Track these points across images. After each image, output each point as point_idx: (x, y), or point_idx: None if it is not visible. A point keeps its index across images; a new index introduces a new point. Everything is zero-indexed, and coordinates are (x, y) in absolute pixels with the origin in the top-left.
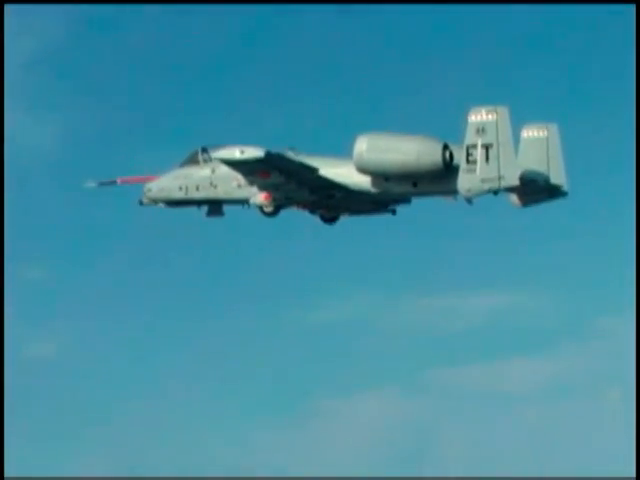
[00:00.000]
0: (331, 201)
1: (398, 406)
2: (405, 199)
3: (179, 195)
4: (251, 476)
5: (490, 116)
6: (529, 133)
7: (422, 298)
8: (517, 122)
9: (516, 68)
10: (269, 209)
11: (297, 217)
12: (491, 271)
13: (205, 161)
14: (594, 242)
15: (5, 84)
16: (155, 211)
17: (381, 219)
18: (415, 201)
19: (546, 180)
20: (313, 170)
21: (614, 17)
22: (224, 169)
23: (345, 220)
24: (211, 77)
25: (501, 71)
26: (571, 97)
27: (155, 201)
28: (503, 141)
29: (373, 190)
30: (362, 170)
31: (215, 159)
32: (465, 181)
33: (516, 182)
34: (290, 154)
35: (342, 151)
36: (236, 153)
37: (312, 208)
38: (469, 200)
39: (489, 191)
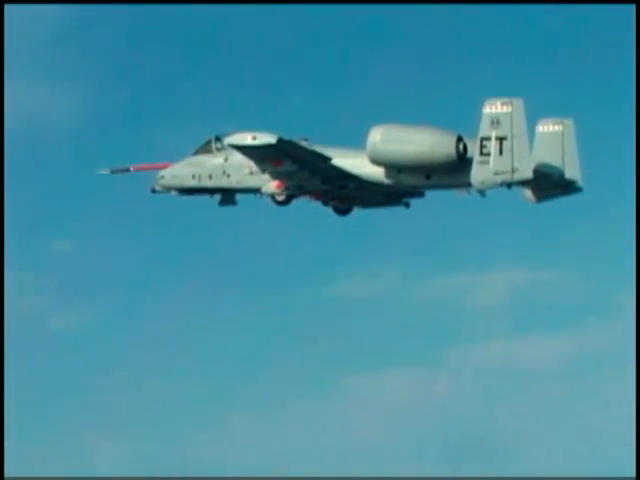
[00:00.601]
0: (344, 192)
1: (418, 383)
2: (418, 192)
3: (192, 183)
4: (251, 476)
5: (505, 108)
6: (544, 128)
7: (440, 276)
8: (532, 117)
9: (529, 64)
10: (281, 198)
11: (310, 208)
12: (507, 252)
13: (218, 149)
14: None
15: (30, 58)
16: (167, 199)
17: (394, 211)
18: (429, 194)
19: (560, 174)
20: (326, 159)
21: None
22: (237, 158)
23: (358, 212)
24: (230, 66)
25: (515, 67)
26: (581, 94)
27: (168, 189)
28: (517, 134)
29: (386, 181)
30: (375, 161)
31: (228, 146)
32: (478, 173)
33: (529, 175)
34: (303, 144)
35: (356, 143)
36: (248, 138)
37: (325, 199)
38: (482, 193)
39: (502, 184)
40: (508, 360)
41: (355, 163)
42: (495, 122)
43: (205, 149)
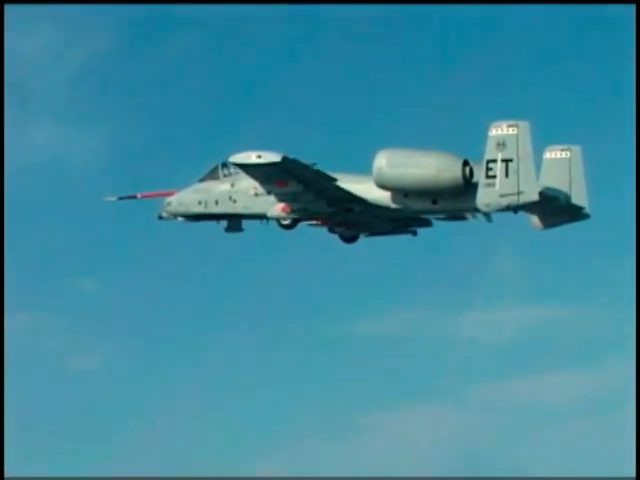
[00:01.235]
0: (350, 216)
1: (439, 421)
2: (426, 221)
3: (198, 209)
4: (251, 476)
5: (511, 130)
6: (552, 154)
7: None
8: (539, 144)
9: (532, 85)
10: (287, 222)
11: (316, 235)
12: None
13: (225, 176)
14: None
15: (52, 98)
16: (174, 225)
17: (402, 239)
18: (436, 224)
19: (567, 198)
20: (331, 179)
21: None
22: (243, 183)
23: (365, 240)
24: (244, 92)
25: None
26: (586, 118)
27: (174, 215)
28: (523, 156)
29: (392, 206)
30: (381, 185)
31: (234, 168)
32: (484, 196)
33: (535, 197)
34: None
35: (361, 169)
36: (253, 157)
37: (331, 224)
38: (488, 217)
39: (508, 207)
40: (525, 397)
41: (361, 188)
42: (501, 144)
43: (212, 175)
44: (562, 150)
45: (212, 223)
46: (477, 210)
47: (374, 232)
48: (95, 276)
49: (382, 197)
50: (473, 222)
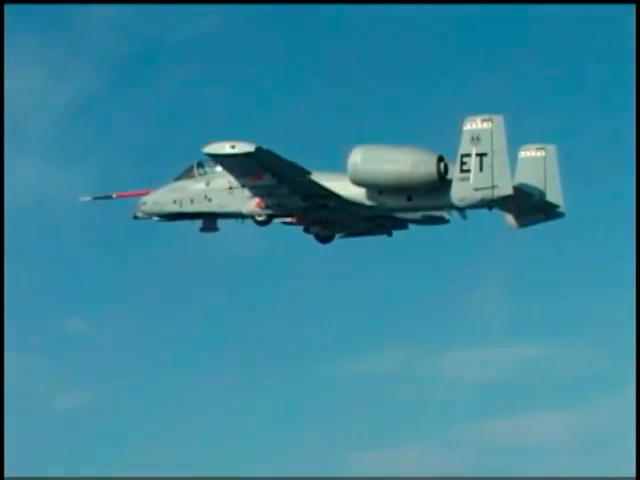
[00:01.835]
0: (324, 212)
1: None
2: (401, 223)
3: (173, 208)
4: (252, 476)
5: (485, 124)
6: (526, 153)
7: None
8: (515, 143)
9: (515, 79)
10: (261, 218)
11: (291, 235)
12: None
13: (200, 175)
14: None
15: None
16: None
17: (377, 241)
18: (412, 227)
19: (542, 194)
20: (305, 172)
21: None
22: (219, 182)
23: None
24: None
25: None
26: (570, 117)
27: (149, 214)
28: (497, 150)
29: (367, 202)
30: (356, 182)
31: (207, 156)
32: (458, 190)
33: (510, 191)
34: None
35: (336, 167)
36: (227, 147)
37: (306, 223)
38: (463, 214)
39: (483, 200)
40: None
41: (336, 185)
42: (475, 139)
43: (187, 174)
44: (537, 149)
45: (187, 223)
46: (452, 207)
47: (349, 232)
48: (81, 315)
49: (357, 194)
50: (448, 226)
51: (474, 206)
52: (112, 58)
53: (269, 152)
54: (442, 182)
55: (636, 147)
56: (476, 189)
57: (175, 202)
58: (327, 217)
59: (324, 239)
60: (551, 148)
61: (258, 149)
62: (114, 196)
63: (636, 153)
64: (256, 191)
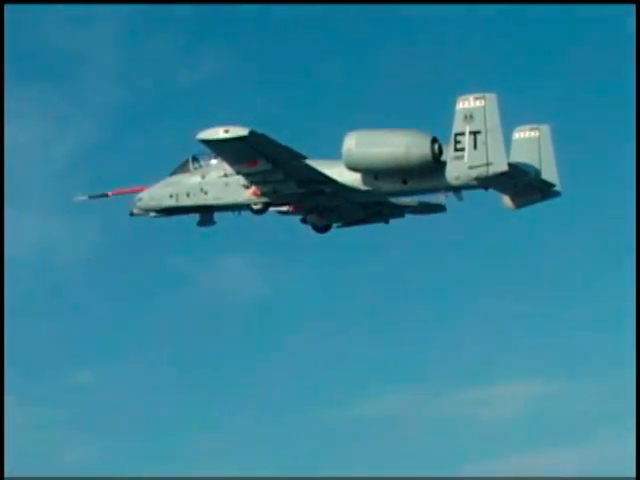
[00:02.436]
0: (321, 199)
1: None
2: (399, 213)
3: (169, 203)
4: (251, 476)
5: (478, 102)
6: (521, 134)
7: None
8: (509, 124)
9: (512, 68)
10: (258, 206)
11: (289, 226)
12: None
13: (196, 168)
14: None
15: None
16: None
17: (374, 230)
18: (409, 216)
19: (537, 172)
20: (300, 156)
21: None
22: (214, 174)
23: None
24: None
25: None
26: (566, 98)
27: (146, 210)
28: (491, 127)
29: (363, 187)
30: (351, 167)
31: (200, 141)
32: (453, 169)
33: (505, 168)
34: None
35: (329, 154)
36: (220, 132)
37: (302, 211)
38: (459, 195)
39: (478, 178)
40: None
41: (332, 171)
42: (468, 117)
43: (182, 169)
44: (531, 130)
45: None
46: (448, 189)
47: (346, 221)
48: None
49: (353, 179)
50: (445, 215)
51: (469, 186)
52: (111, 107)
53: (263, 136)
54: (437, 163)
55: (636, 150)
56: (471, 167)
57: (171, 196)
58: (323, 204)
59: (321, 229)
60: (545, 128)
61: (252, 133)
62: (110, 194)
63: (636, 156)
64: (251, 178)
